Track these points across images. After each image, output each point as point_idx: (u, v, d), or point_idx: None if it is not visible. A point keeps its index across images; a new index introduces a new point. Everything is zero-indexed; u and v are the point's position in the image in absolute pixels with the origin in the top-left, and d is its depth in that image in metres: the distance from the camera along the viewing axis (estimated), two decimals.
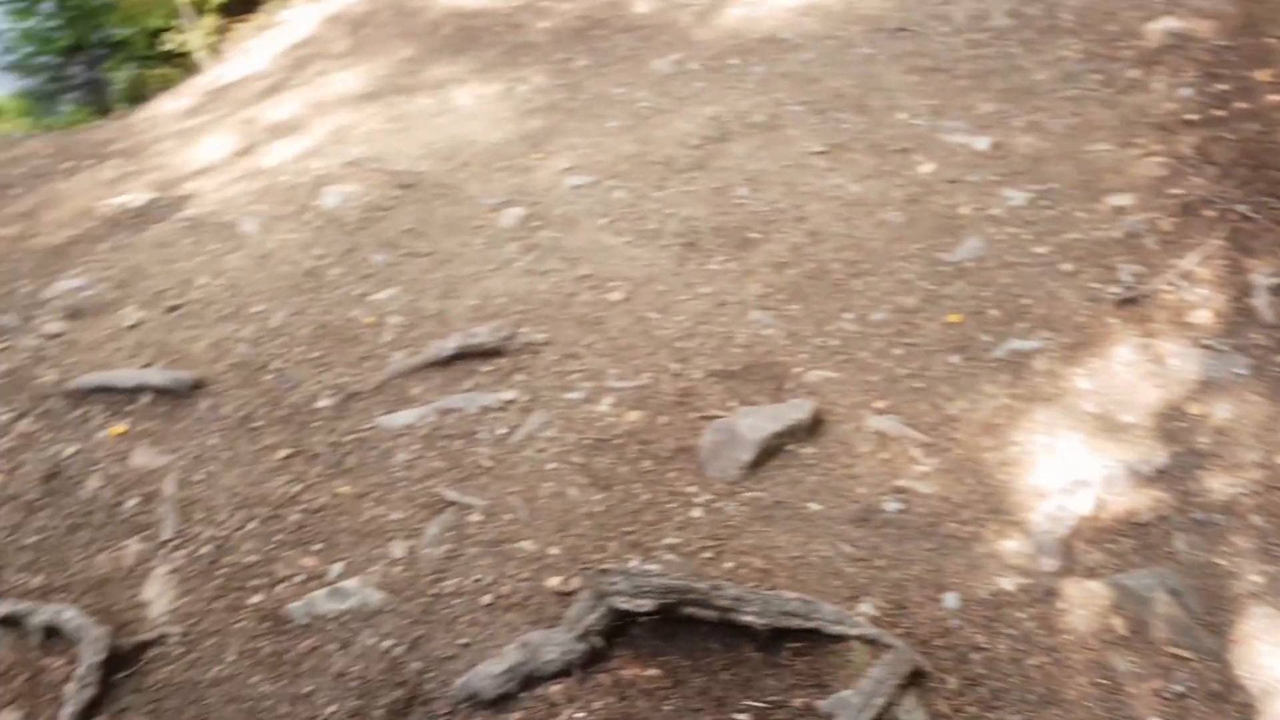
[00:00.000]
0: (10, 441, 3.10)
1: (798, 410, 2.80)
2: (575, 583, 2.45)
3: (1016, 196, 3.71)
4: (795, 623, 2.12)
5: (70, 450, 3.04)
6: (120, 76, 6.85)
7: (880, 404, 2.90)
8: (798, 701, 2.10)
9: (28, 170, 4.98)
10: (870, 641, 2.16)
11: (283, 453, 2.96)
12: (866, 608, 2.29)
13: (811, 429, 2.80)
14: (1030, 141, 4.04)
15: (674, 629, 2.22)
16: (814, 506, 2.59)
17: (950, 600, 2.33)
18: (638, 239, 3.80)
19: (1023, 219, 3.59)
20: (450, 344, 3.23)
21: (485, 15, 6.07)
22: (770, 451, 2.72)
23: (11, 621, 2.49)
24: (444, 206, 4.13)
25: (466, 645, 2.34)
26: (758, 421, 2.75)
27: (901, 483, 2.64)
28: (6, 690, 2.37)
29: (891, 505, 2.58)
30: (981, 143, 4.06)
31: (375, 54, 5.75)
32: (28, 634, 2.47)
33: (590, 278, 3.60)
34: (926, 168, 4.02)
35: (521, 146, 4.58)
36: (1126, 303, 3.13)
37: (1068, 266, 3.33)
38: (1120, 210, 3.53)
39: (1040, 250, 3.43)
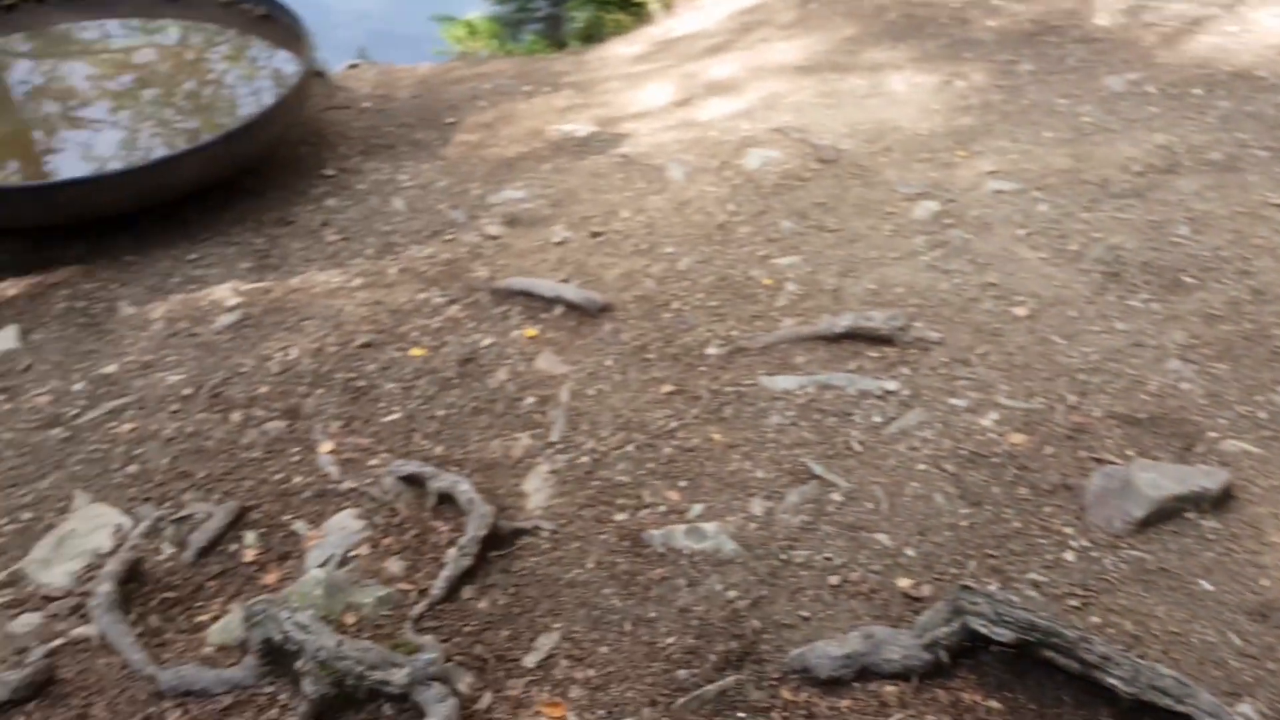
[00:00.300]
0: (439, 323, 3.48)
1: (1208, 478, 2.56)
2: (926, 590, 2.40)
3: None
4: (1165, 701, 1.96)
5: (487, 341, 3.36)
6: (579, 16, 7.37)
7: None
8: None
9: (493, 87, 5.49)
10: None
11: (667, 388, 3.12)
12: (1247, 709, 2.08)
13: (1219, 502, 2.55)
14: None
15: (1026, 668, 2.13)
16: (1205, 585, 2.37)
17: None
18: (1054, 257, 3.62)
19: None
20: (842, 321, 3.24)
21: (933, 6, 5.94)
22: (1166, 514, 2.52)
23: (415, 481, 2.80)
24: (858, 187, 4.12)
25: (806, 619, 2.37)
26: (1158, 478, 2.55)
27: None
28: (397, 541, 2.67)
29: None
30: None
31: (817, 29, 5.80)
32: (425, 495, 2.77)
33: (996, 287, 3.47)
34: None
35: (947, 141, 4.47)
36: None
37: None
38: None
39: None
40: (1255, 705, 2.10)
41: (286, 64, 4.83)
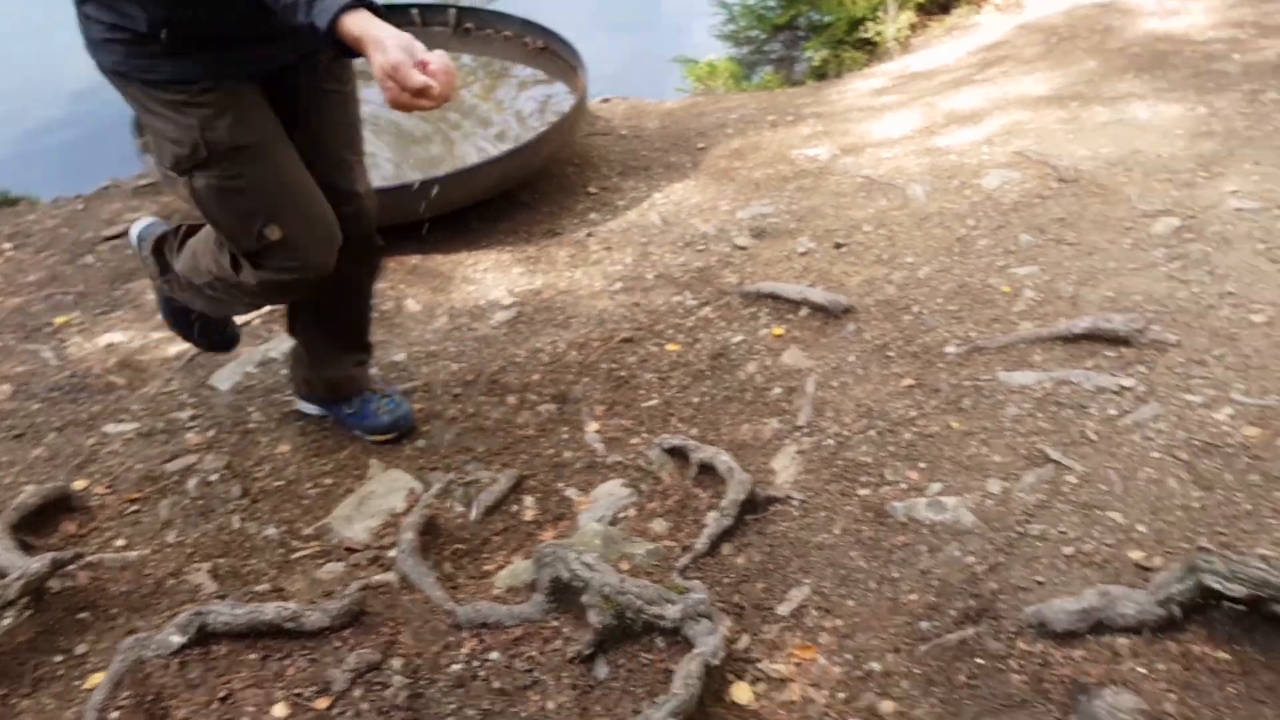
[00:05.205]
0: (693, 322, 3.85)
1: None
2: (1158, 561, 2.54)
3: None
4: None
5: (737, 339, 3.70)
6: (814, 55, 7.77)
7: None
8: None
9: (739, 118, 5.91)
10: None
11: (907, 382, 3.36)
12: None
13: None
14: None
15: (1256, 623, 2.24)
16: None
17: None
18: None
19: None
20: (1081, 324, 3.39)
21: (1178, 41, 5.92)
22: None
23: (678, 453, 3.14)
24: (1098, 204, 4.24)
25: (1040, 583, 2.54)
26: None
27: None
28: (661, 505, 3.00)
29: None
30: None
31: (1061, 64, 5.90)
32: (688, 466, 3.09)
33: (1234, 295, 3.52)
34: None
35: (1188, 163, 4.50)
36: None
37: None
38: None
39: None
40: None
41: (560, 92, 5.39)
